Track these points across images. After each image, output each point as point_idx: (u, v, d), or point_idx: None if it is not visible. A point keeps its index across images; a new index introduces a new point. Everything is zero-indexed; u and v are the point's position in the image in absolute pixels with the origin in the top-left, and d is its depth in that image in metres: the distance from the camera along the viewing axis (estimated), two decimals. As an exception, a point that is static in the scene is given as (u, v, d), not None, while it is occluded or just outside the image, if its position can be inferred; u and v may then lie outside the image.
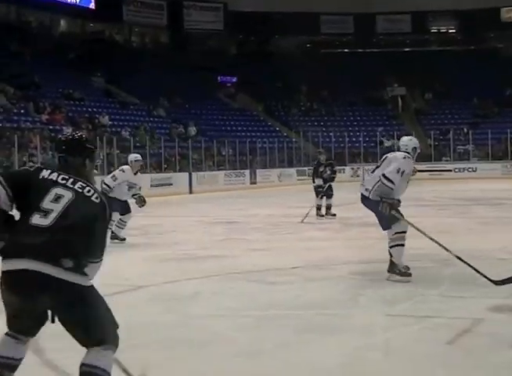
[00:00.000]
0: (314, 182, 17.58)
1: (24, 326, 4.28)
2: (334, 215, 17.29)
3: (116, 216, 12.50)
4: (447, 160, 42.88)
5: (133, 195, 13.11)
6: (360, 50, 55.19)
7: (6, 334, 4.30)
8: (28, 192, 4.21)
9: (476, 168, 41.16)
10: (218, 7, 54.84)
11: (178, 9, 53.60)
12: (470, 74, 47.52)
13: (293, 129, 45.84)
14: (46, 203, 4.18)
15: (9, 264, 4.06)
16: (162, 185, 30.98)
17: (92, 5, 48.56)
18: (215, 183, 33.17)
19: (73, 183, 4.27)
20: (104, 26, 51.31)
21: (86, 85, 40.64)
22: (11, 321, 4.26)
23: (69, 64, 40.09)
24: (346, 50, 56.13)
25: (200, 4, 54.30)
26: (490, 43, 55.06)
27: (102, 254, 4.27)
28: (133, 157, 13.58)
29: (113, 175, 13.18)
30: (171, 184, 31.63)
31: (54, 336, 4.68)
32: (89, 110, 38.01)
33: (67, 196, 4.22)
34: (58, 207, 4.17)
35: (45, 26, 47.34)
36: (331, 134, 43.23)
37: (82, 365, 4.18)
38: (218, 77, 51.04)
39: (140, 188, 13.37)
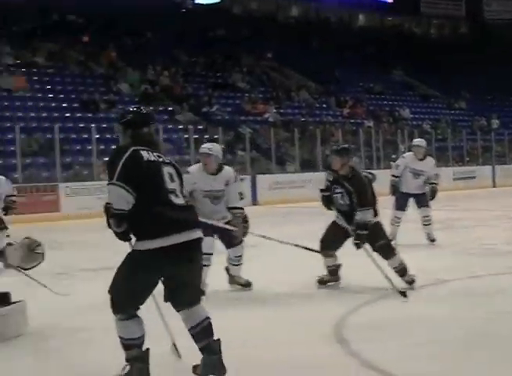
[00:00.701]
0: None
1: (145, 299, 4.71)
2: None
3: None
4: None
5: (430, 183, 12.11)
6: None
7: (127, 318, 4.64)
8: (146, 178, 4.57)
9: None
10: (521, -5, 52.66)
11: (477, -1, 52.09)
12: None
13: None
14: (169, 183, 4.63)
15: (172, 239, 4.51)
16: (465, 178, 30.68)
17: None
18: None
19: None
20: (402, 19, 51.03)
21: (386, 79, 40.52)
22: (137, 299, 4.64)
23: (368, 58, 40.05)
24: None
25: (500, -6, 52.50)
26: None
27: None
28: (416, 141, 12.79)
29: (396, 164, 12.54)
30: (474, 177, 31.29)
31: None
32: (389, 103, 37.88)
33: (173, 172, 4.73)
34: (176, 185, 4.70)
35: (344, 21, 47.82)
36: None
37: (191, 328, 4.71)
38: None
39: (436, 176, 12.33)
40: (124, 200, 4.45)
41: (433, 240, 11.92)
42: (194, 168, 8.11)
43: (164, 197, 4.58)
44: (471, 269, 9.11)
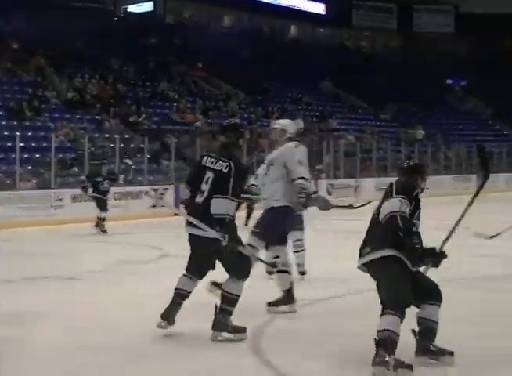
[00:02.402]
0: None
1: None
2: None
3: None
4: None
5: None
6: None
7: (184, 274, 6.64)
8: None
9: None
10: (449, 10, 54.00)
11: (408, 12, 53.15)
12: None
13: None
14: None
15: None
16: None
17: (322, 11, 49.27)
18: (441, 187, 32.40)
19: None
20: (334, 31, 51.80)
21: (314, 90, 41.27)
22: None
23: (298, 69, 40.44)
24: None
25: (430, 6, 53.66)
26: None
27: None
28: None
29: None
30: None
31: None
32: (317, 114, 38.52)
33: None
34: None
35: (276, 32, 48.46)
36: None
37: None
38: (447, 80, 50.14)
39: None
40: None
41: (303, 273, 10.01)
42: None
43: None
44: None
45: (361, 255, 5.73)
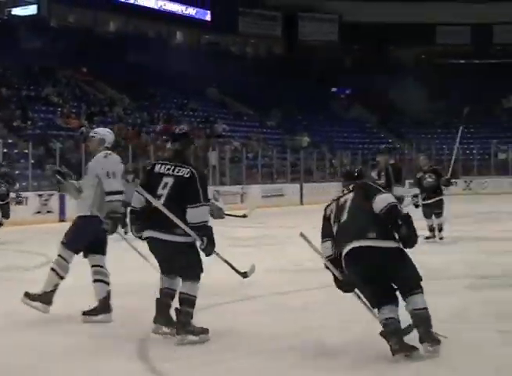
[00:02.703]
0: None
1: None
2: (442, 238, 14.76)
3: None
4: None
5: None
6: (476, 61, 54.97)
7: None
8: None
9: None
10: (333, 18, 55.70)
11: (294, 20, 54.69)
12: None
13: (406, 141, 45.92)
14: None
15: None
16: (273, 196, 31.29)
17: (208, 17, 50.21)
18: (327, 194, 33.10)
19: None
20: (219, 37, 52.74)
21: (200, 96, 42.19)
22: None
23: (184, 75, 40.85)
24: (462, 61, 55.91)
25: (315, 15, 55.23)
26: None
27: None
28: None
29: None
30: (283, 195, 31.90)
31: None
32: (203, 120, 39.39)
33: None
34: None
35: (162, 37, 48.78)
36: (444, 146, 43.07)
37: None
38: (332, 89, 51.76)
39: None
40: None
41: None
42: None
43: None
44: (279, 286, 9.61)
45: (361, 238, 6.06)
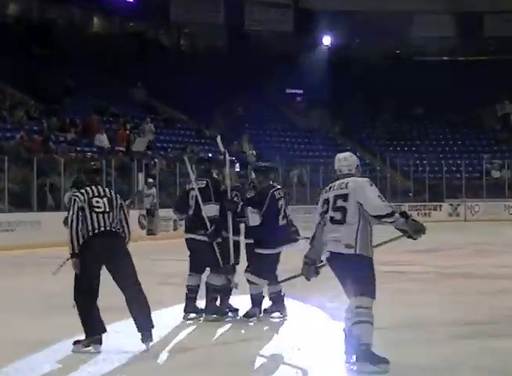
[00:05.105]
0: None
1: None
2: None
3: None
4: None
5: None
6: (462, 58, 54.77)
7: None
8: None
9: None
10: (287, 3, 55.07)
11: (239, 5, 53.87)
12: None
13: (377, 155, 45.62)
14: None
15: None
16: None
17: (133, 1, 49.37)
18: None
19: None
20: (146, 26, 51.95)
21: (123, 98, 41.24)
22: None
23: (103, 72, 40.52)
24: (445, 58, 55.72)
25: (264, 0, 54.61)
26: None
27: None
28: None
29: None
30: None
31: None
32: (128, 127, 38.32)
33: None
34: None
35: (75, 26, 47.98)
36: (425, 162, 42.91)
37: None
38: (285, 90, 51.14)
39: None
40: None
41: None
42: None
43: None
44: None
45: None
